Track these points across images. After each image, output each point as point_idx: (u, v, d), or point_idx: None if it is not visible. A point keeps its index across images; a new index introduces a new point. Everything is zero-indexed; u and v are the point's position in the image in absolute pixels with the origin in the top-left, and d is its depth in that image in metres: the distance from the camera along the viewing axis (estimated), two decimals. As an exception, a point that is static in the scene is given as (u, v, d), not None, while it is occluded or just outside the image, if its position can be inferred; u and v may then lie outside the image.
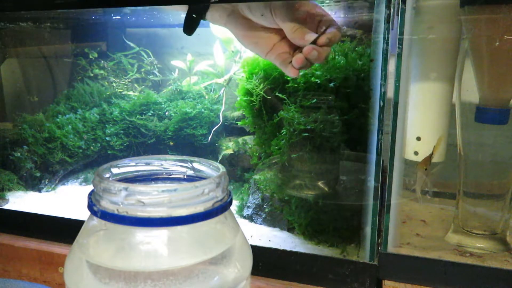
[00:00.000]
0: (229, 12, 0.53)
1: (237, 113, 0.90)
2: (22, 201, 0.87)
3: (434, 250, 0.59)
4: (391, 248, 0.58)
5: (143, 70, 1.05)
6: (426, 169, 0.63)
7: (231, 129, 0.93)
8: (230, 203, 0.28)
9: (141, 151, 0.96)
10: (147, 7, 0.75)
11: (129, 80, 1.05)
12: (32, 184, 0.92)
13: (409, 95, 0.59)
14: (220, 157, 0.88)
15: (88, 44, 1.05)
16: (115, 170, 0.31)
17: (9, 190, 0.90)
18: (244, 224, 0.76)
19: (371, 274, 0.57)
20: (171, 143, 0.93)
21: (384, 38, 0.53)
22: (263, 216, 0.75)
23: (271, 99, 0.72)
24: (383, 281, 0.57)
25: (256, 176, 0.78)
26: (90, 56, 1.04)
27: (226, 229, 0.28)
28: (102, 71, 1.04)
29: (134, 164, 0.33)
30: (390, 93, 0.55)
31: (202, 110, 0.92)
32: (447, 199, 0.75)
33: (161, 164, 0.33)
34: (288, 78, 0.68)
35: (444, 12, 0.57)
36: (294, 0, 0.51)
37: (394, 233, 0.59)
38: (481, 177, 0.61)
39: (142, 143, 0.95)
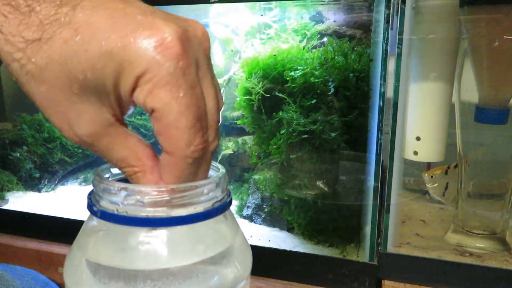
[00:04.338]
0: None
1: (236, 113, 0.90)
2: (21, 201, 0.87)
3: (434, 250, 0.59)
4: (390, 248, 0.58)
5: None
6: (432, 177, 0.63)
7: (231, 129, 0.93)
8: (230, 203, 0.28)
9: (140, 151, 0.96)
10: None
11: (129, 80, 1.05)
12: (32, 184, 0.92)
13: (408, 95, 0.59)
14: (219, 157, 0.88)
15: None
16: (114, 170, 0.31)
17: (9, 190, 0.90)
18: (243, 224, 0.76)
19: (371, 274, 0.57)
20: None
21: (383, 38, 0.53)
22: (263, 216, 0.75)
23: (270, 98, 0.72)
24: (382, 281, 0.57)
25: (256, 176, 0.78)
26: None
27: (225, 229, 0.28)
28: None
29: (134, 164, 0.32)
30: (389, 93, 0.55)
31: (202, 110, 0.91)
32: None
33: (161, 164, 0.33)
34: (288, 78, 0.68)
35: (443, 12, 0.57)
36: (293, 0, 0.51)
37: (394, 233, 0.59)
38: (481, 177, 0.61)
39: (141, 143, 0.95)
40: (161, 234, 0.25)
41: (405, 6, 0.52)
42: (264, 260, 0.61)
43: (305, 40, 0.73)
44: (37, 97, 0.23)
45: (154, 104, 0.23)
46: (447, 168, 0.62)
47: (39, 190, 0.91)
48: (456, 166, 0.62)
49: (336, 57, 0.66)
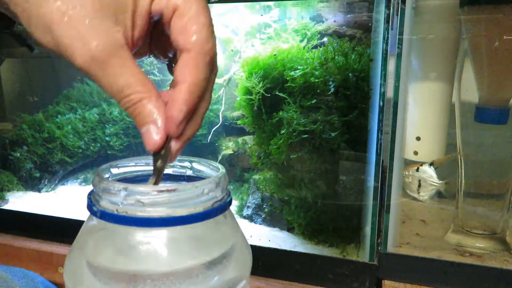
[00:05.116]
0: None
1: (236, 113, 0.90)
2: (21, 201, 0.87)
3: (434, 250, 0.59)
4: (390, 248, 0.58)
5: (142, 70, 1.05)
6: (404, 173, 0.63)
7: (231, 129, 0.93)
8: (230, 203, 0.28)
9: (140, 151, 0.96)
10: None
11: (129, 80, 1.04)
12: (32, 184, 0.92)
13: (408, 95, 0.59)
14: (219, 157, 0.88)
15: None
16: (114, 170, 0.31)
17: (9, 190, 0.90)
18: (243, 224, 0.76)
19: (371, 274, 0.57)
20: (171, 143, 0.93)
21: (383, 38, 0.53)
22: (263, 216, 0.75)
23: (270, 97, 0.72)
24: (382, 280, 0.57)
25: (256, 176, 0.77)
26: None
27: (225, 229, 0.28)
28: (101, 71, 1.04)
29: (134, 164, 0.33)
30: (389, 93, 0.55)
31: (202, 110, 0.91)
32: (446, 199, 0.75)
33: (161, 164, 0.33)
34: (288, 78, 0.68)
35: (443, 12, 0.57)
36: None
37: (394, 233, 0.59)
38: (481, 177, 0.61)
39: (141, 143, 0.95)
40: (161, 234, 0.25)
41: (405, 6, 0.52)
42: (264, 260, 0.61)
43: (305, 40, 0.73)
44: (53, 15, 0.24)
45: (176, 1, 0.26)
46: (419, 166, 0.62)
47: (39, 190, 0.91)
48: (431, 164, 0.62)
49: (336, 57, 0.66)
